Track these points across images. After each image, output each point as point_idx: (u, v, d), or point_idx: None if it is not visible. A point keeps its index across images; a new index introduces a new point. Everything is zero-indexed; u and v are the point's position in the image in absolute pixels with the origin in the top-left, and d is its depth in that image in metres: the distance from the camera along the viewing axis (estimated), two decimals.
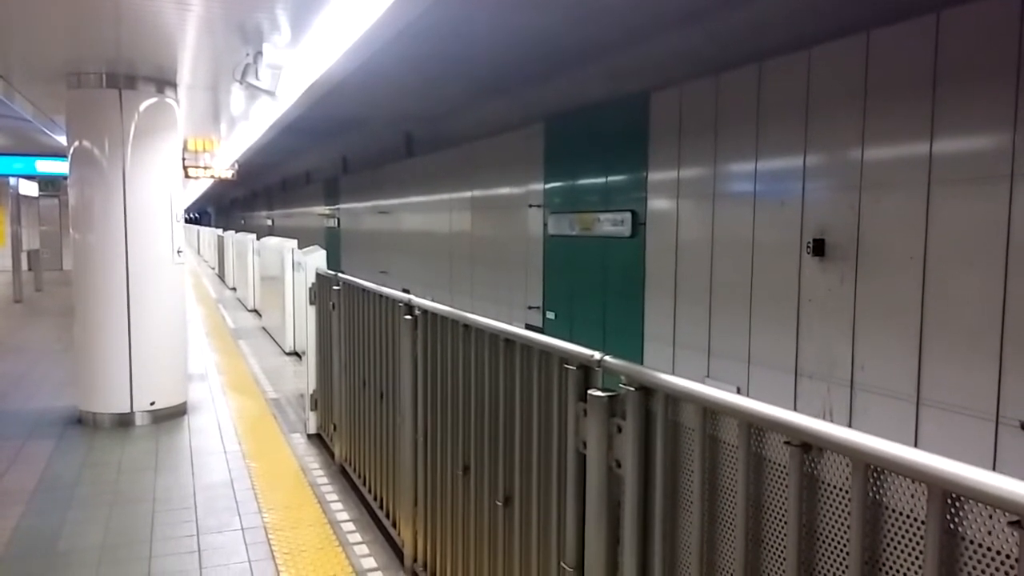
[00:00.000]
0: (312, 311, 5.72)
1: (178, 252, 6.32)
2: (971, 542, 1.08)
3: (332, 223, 21.43)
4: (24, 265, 15.97)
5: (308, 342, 5.88)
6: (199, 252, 32.60)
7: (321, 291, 5.51)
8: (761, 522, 1.49)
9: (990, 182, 4.45)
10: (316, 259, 6.07)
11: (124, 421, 6.09)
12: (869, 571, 1.25)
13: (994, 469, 1.01)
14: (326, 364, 5.42)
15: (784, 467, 1.42)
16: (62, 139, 8.91)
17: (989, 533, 1.05)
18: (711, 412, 1.60)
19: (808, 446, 1.36)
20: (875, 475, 1.23)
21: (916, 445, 1.29)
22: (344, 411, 4.93)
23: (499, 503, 2.57)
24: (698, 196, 6.95)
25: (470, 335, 2.80)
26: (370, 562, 3.73)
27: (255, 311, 13.69)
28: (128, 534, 4.03)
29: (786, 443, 1.39)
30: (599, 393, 1.89)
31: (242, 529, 4.09)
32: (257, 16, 4.46)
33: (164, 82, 6.19)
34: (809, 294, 5.72)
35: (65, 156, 6.29)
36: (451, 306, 3.08)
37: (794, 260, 5.81)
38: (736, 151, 6.47)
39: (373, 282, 4.26)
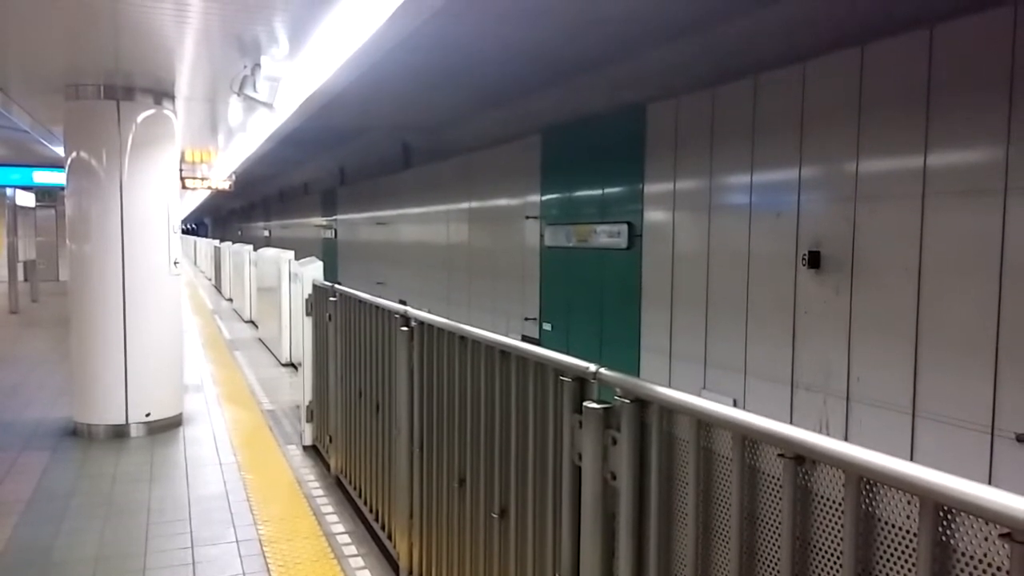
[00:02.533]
0: (308, 322, 5.72)
1: (175, 263, 6.32)
2: (963, 554, 1.09)
3: (329, 234, 21.45)
4: (20, 276, 15.95)
5: (304, 353, 5.87)
6: (196, 263, 32.58)
7: (318, 302, 5.51)
8: (755, 534, 1.50)
9: (984, 195, 4.47)
10: (313, 270, 6.07)
11: (119, 432, 6.07)
12: None
13: (989, 482, 1.02)
14: (322, 376, 5.42)
15: (778, 479, 1.42)
16: (60, 150, 8.92)
17: (980, 546, 1.06)
18: (706, 424, 1.61)
19: (802, 458, 1.36)
20: (868, 487, 1.24)
21: (912, 457, 1.30)
22: (340, 423, 4.92)
23: (495, 515, 2.56)
24: (694, 208, 6.97)
25: (466, 347, 2.80)
26: (365, 575, 3.72)
27: (251, 322, 13.67)
28: (122, 546, 4.01)
29: (780, 455, 1.40)
30: (594, 405, 1.90)
31: (237, 541, 4.08)
32: (255, 28, 4.48)
33: (162, 94, 6.21)
34: (805, 306, 5.73)
35: (63, 167, 6.29)
36: (448, 318, 3.09)
37: (790, 272, 5.83)
38: (732, 163, 6.50)
39: (370, 293, 4.26)
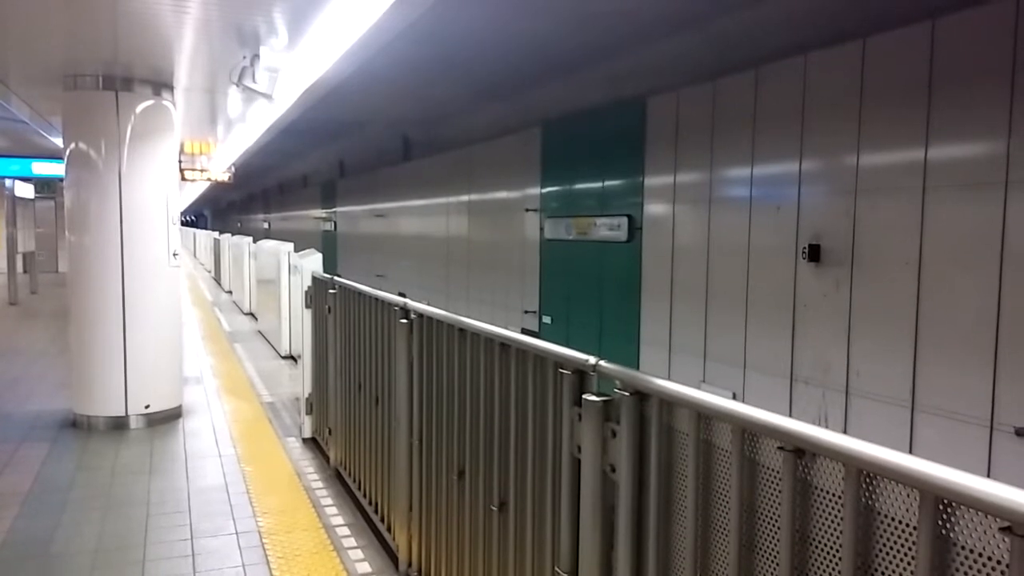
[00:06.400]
0: (308, 315, 5.72)
1: (174, 255, 6.31)
2: (962, 548, 1.08)
3: (329, 226, 21.42)
4: (19, 267, 15.93)
5: (304, 346, 5.87)
6: (195, 255, 32.53)
7: (317, 295, 5.50)
8: (755, 527, 1.49)
9: (985, 188, 4.46)
10: (312, 262, 6.07)
11: (119, 424, 6.07)
12: None
13: (989, 475, 1.02)
14: (322, 368, 5.41)
15: (778, 472, 1.42)
16: (58, 141, 8.89)
17: (980, 539, 1.06)
18: (705, 417, 1.60)
19: (801, 451, 1.36)
20: (868, 480, 1.24)
21: (911, 451, 1.30)
22: (339, 415, 4.92)
23: (494, 508, 2.56)
24: (694, 201, 6.96)
25: (466, 339, 2.79)
26: (364, 567, 3.72)
27: (251, 314, 13.67)
28: (122, 538, 4.01)
29: (779, 448, 1.39)
30: (594, 398, 1.89)
31: (236, 533, 4.08)
32: (254, 19, 4.46)
33: (161, 84, 6.19)
34: (804, 299, 5.73)
35: (61, 158, 6.27)
36: (447, 310, 3.08)
37: (790, 265, 5.82)
38: (732, 156, 6.49)
39: (369, 286, 4.26)
